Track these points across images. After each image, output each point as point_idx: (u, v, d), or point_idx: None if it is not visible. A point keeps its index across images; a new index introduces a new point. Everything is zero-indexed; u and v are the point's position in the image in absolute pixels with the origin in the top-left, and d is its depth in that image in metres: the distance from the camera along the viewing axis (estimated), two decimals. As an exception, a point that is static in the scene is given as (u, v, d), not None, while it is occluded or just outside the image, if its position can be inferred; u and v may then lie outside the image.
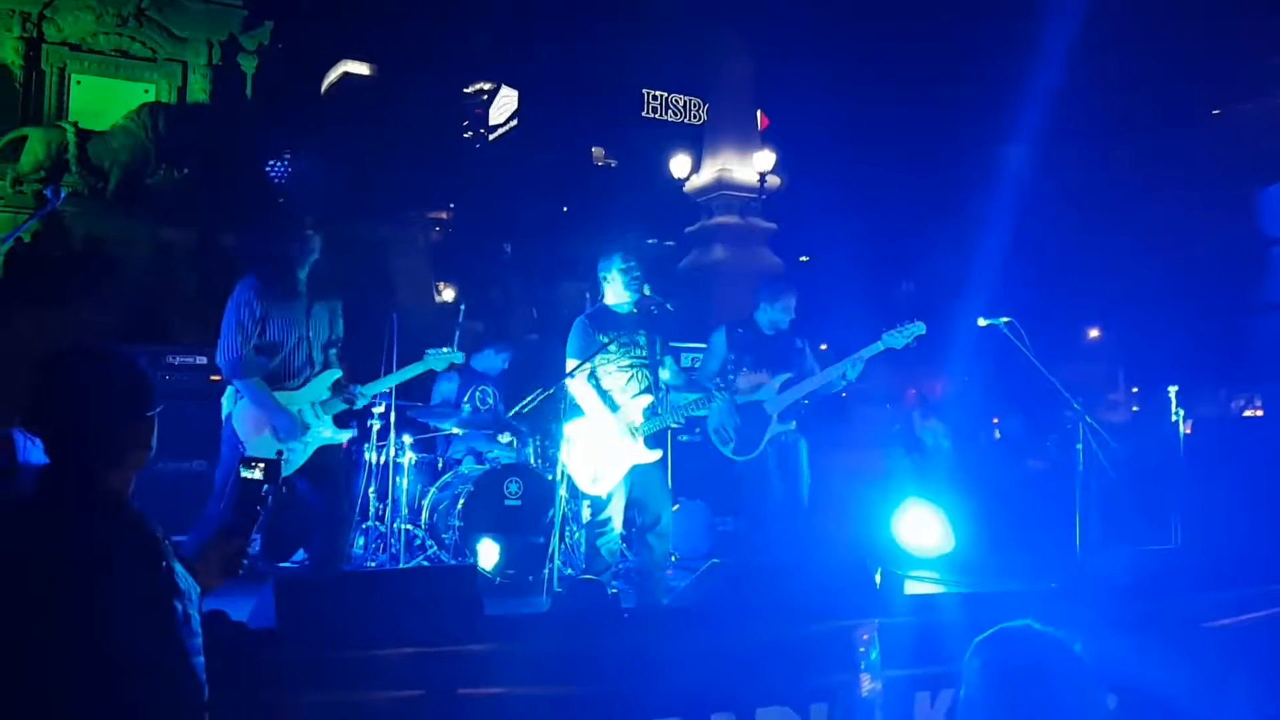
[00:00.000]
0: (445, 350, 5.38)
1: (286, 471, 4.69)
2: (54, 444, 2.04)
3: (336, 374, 4.91)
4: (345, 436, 4.93)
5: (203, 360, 6.38)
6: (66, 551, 1.90)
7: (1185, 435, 6.60)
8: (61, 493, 1.99)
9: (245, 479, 2.55)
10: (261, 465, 2.54)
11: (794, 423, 5.85)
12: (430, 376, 6.66)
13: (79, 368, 2.10)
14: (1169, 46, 17.76)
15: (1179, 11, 17.20)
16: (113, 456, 2.06)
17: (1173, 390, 6.41)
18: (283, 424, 4.68)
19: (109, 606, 1.87)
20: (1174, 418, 6.37)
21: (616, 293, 5.27)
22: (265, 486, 2.52)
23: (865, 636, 2.84)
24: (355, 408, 5.04)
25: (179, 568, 2.00)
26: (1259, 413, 14.52)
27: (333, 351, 4.93)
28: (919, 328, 5.59)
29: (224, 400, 4.81)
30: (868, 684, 2.97)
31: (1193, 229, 16.88)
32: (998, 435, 12.56)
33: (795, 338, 5.98)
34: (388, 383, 5.27)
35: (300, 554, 6.11)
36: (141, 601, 1.90)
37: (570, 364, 5.14)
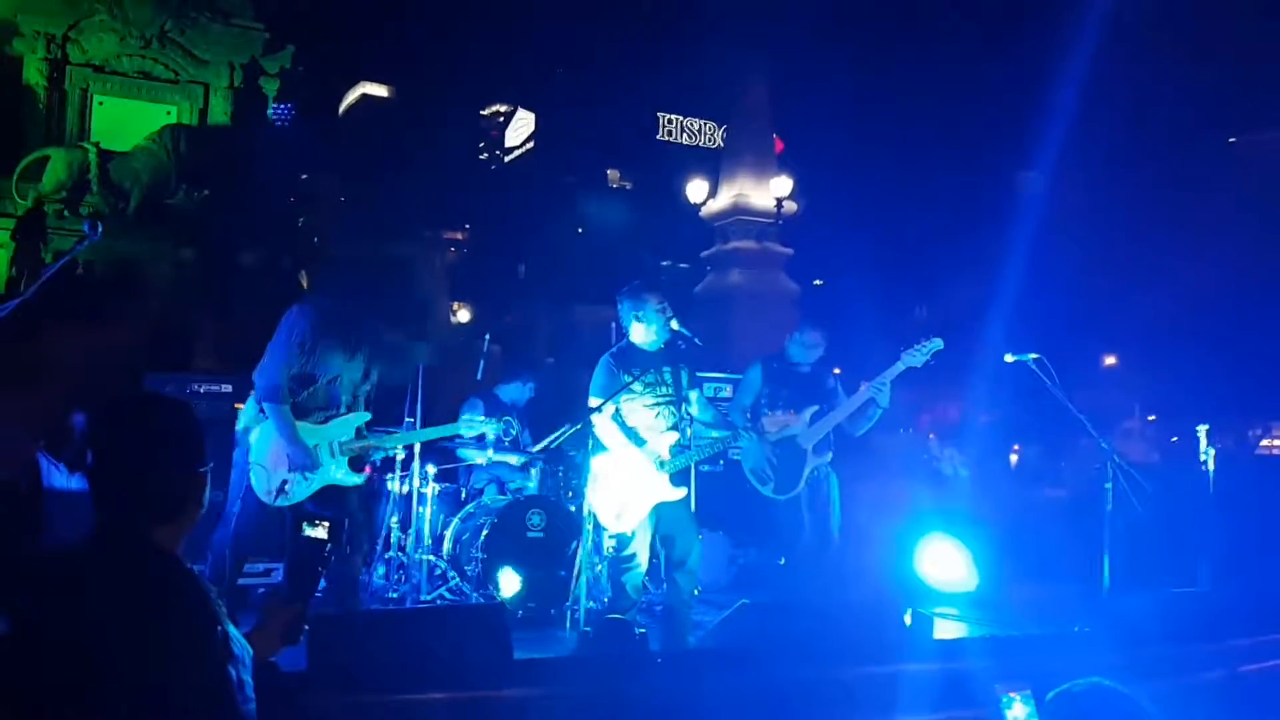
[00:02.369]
0: (480, 419, 5.40)
1: (285, 502, 4.69)
2: (109, 496, 1.97)
3: (365, 417, 4.91)
4: (356, 481, 4.88)
5: (228, 388, 6.38)
6: (120, 615, 1.84)
7: (1212, 473, 6.53)
8: (115, 552, 1.93)
9: (308, 538, 2.50)
10: (325, 524, 2.50)
11: (830, 454, 5.82)
12: (455, 406, 6.65)
13: (143, 418, 2.05)
14: (1191, 74, 17.75)
15: (1199, 39, 17.20)
16: (168, 512, 2.00)
17: (1202, 430, 6.34)
18: (298, 457, 4.66)
19: (163, 674, 1.83)
20: (1203, 456, 6.31)
21: (648, 333, 5.22)
22: (329, 546, 2.48)
23: (1013, 695, 2.76)
24: (372, 458, 5.01)
25: (233, 630, 1.96)
26: (1277, 442, 14.40)
27: (363, 392, 4.93)
28: (937, 344, 5.58)
29: (242, 414, 4.79)
30: None
31: (1211, 257, 16.82)
32: (1014, 461, 12.50)
33: (828, 376, 5.98)
34: (411, 438, 5.26)
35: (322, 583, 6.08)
36: (195, 666, 1.86)
37: (593, 402, 5.12)
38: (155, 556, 1.96)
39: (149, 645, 1.83)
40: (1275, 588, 5.20)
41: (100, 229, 3.87)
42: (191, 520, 2.05)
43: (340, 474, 4.81)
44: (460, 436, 5.48)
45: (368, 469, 5.33)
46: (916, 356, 5.58)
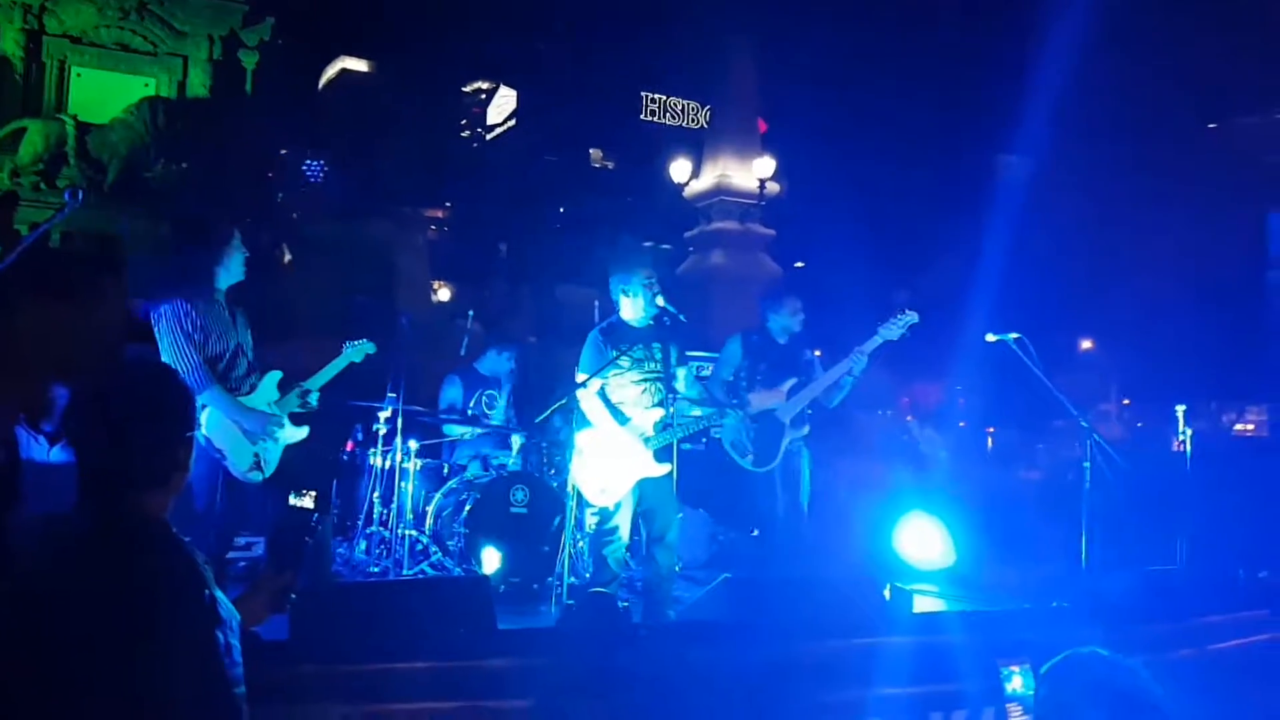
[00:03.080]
0: (360, 342, 5.37)
1: (267, 473, 4.70)
2: (94, 464, 1.96)
3: (277, 375, 4.91)
4: (303, 434, 4.91)
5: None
6: (110, 581, 1.84)
7: (1188, 453, 6.60)
8: (104, 518, 1.92)
9: (294, 507, 2.50)
10: (312, 494, 2.50)
11: (807, 428, 5.90)
12: (436, 383, 6.64)
13: (128, 385, 2.03)
14: (1172, 59, 17.81)
15: (1181, 24, 17.25)
16: (158, 478, 1.99)
17: (1180, 409, 6.41)
18: (254, 424, 4.68)
19: (152, 637, 1.82)
20: (1180, 437, 6.37)
21: (634, 308, 5.23)
22: (315, 515, 2.48)
23: (1015, 669, 2.81)
24: (312, 405, 5.01)
25: (220, 595, 1.95)
26: (1249, 427, 14.57)
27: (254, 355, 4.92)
28: (912, 317, 5.68)
29: None
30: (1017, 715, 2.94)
31: (1191, 242, 16.95)
32: (990, 444, 12.60)
33: (805, 349, 6.04)
34: (326, 375, 5.22)
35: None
36: (184, 631, 1.85)
37: (580, 377, 5.13)
38: (142, 523, 1.95)
39: (136, 609, 1.83)
40: (1248, 565, 5.27)
41: (81, 197, 3.82)
42: (178, 486, 2.04)
43: (289, 431, 4.84)
44: (354, 363, 5.45)
45: (350, 445, 5.33)
46: (893, 330, 5.68)
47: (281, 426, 4.80)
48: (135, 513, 1.95)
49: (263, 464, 4.71)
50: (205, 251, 4.81)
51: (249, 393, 4.80)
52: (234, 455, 4.64)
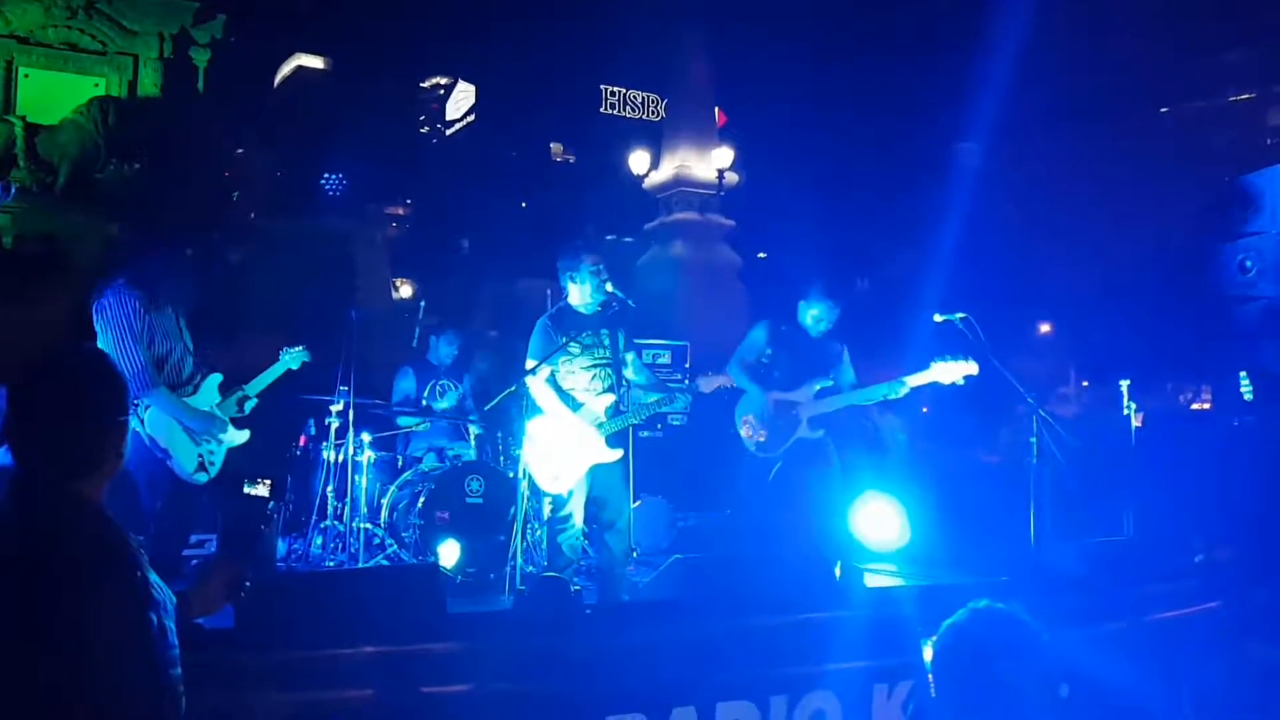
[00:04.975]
0: (297, 350, 5.39)
1: (212, 473, 4.70)
2: (28, 450, 1.97)
3: (218, 377, 4.93)
4: (244, 437, 4.91)
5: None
6: (41, 562, 1.85)
7: (1136, 428, 6.72)
8: (35, 502, 1.93)
9: (250, 495, 2.50)
10: (267, 482, 2.50)
11: (822, 431, 5.63)
12: (390, 376, 6.64)
13: (63, 371, 2.04)
14: (1119, 45, 18.05)
15: (1128, 10, 17.50)
16: (91, 463, 2.01)
17: (1124, 384, 6.53)
18: (200, 425, 4.70)
19: (84, 618, 1.83)
20: (1125, 411, 6.49)
21: (582, 294, 5.25)
22: (271, 504, 2.48)
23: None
24: (246, 411, 5.02)
25: (154, 577, 1.96)
26: (1206, 405, 14.80)
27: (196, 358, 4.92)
28: (971, 368, 5.38)
29: None
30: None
31: (1142, 224, 17.18)
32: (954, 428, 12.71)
33: (835, 341, 5.78)
34: (264, 381, 5.24)
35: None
36: (111, 611, 1.86)
37: (530, 364, 5.15)
38: (77, 505, 1.96)
39: (71, 591, 1.84)
40: (1191, 536, 5.38)
41: (14, 190, 3.79)
42: (112, 470, 2.06)
43: (230, 434, 4.84)
44: (291, 369, 5.45)
45: (303, 440, 5.32)
46: (947, 373, 5.36)
47: (225, 429, 4.81)
48: (66, 498, 1.96)
49: (208, 465, 4.72)
50: (161, 263, 4.80)
51: (193, 393, 4.79)
52: (179, 456, 4.63)
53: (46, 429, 1.99)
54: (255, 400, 5.01)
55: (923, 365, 5.52)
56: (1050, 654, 2.27)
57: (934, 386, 5.55)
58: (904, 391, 5.47)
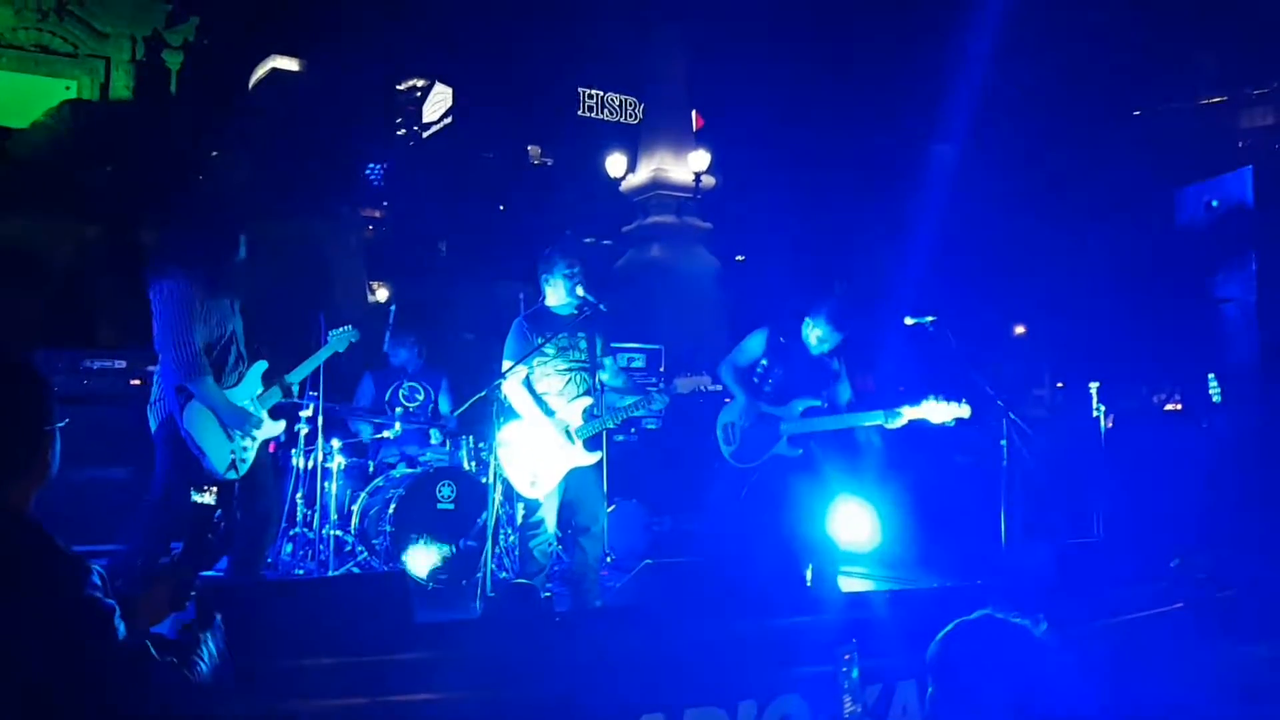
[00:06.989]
0: (344, 329, 5.35)
1: (242, 472, 4.65)
2: None
3: (264, 365, 4.87)
4: (280, 428, 4.88)
5: (122, 364, 6.26)
6: None
7: (1107, 429, 6.76)
8: None
9: (196, 504, 2.48)
10: (213, 489, 2.48)
11: (801, 451, 5.47)
12: (352, 382, 6.61)
13: None
14: (1095, 48, 18.19)
15: (1103, 14, 17.63)
16: (12, 471, 1.99)
17: (1093, 386, 6.58)
18: (237, 421, 4.63)
19: (9, 626, 1.81)
20: (1095, 413, 6.54)
21: (557, 295, 5.25)
22: (218, 512, 2.46)
23: (846, 657, 2.84)
24: (293, 397, 5.00)
25: (96, 580, 1.94)
26: (1178, 407, 14.91)
27: (250, 347, 4.89)
28: (963, 411, 5.22)
29: (155, 406, 4.66)
30: (849, 705, 2.99)
31: (1115, 227, 17.30)
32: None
33: (835, 358, 5.61)
34: (308, 367, 5.22)
35: (224, 562, 5.98)
36: (43, 623, 1.84)
37: (505, 365, 5.12)
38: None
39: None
40: (1162, 536, 5.42)
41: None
42: (40, 479, 2.04)
43: (269, 426, 4.81)
44: (338, 353, 5.43)
45: (272, 446, 5.28)
46: (937, 412, 5.20)
47: (260, 425, 4.74)
48: None
49: (238, 463, 4.66)
50: (224, 249, 4.74)
51: (236, 384, 4.73)
52: (213, 455, 4.57)
53: None
54: (295, 386, 4.98)
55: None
56: (1052, 651, 2.27)
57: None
58: (901, 423, 5.26)
